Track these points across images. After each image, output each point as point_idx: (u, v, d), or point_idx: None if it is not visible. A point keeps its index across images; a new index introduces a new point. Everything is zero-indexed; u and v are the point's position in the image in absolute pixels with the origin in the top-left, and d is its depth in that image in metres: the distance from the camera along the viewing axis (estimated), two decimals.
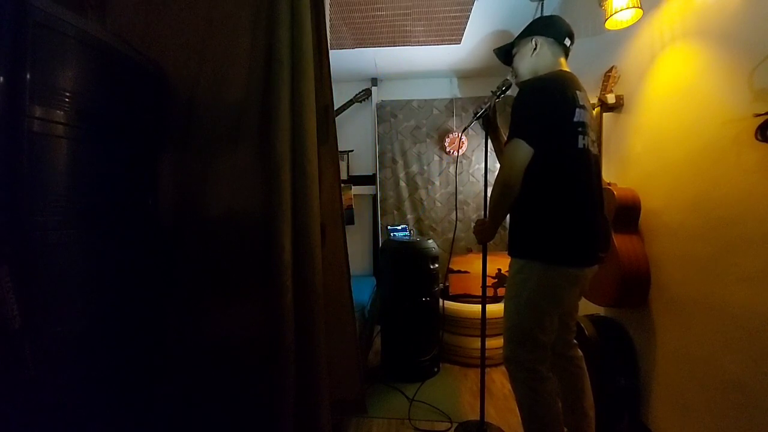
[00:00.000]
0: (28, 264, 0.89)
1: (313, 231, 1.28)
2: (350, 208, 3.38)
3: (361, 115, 3.44)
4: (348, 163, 3.42)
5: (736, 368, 1.13)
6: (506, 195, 1.19)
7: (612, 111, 1.75)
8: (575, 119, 1.17)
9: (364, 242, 3.49)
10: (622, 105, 1.70)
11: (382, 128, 3.40)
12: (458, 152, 3.25)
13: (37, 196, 0.91)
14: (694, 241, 1.29)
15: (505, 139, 1.26)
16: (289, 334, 1.23)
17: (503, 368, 1.30)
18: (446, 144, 3.29)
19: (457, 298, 2.60)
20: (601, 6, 1.62)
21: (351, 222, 3.39)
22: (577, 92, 1.20)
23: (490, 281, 2.54)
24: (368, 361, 2.44)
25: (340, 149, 1.64)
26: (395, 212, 3.40)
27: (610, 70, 1.71)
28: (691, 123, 1.31)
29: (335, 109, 1.69)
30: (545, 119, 1.16)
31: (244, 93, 1.36)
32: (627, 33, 1.66)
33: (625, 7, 1.47)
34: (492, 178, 1.29)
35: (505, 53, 1.44)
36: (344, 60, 2.97)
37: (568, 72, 1.28)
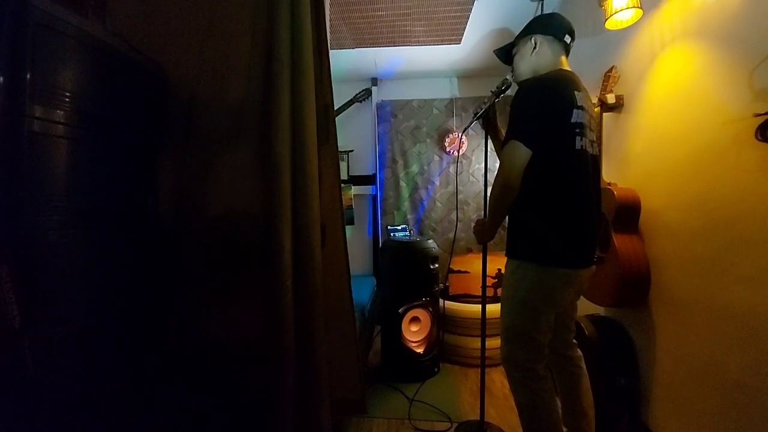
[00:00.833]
0: (28, 264, 0.89)
1: (313, 231, 1.28)
2: (350, 208, 3.38)
3: (361, 115, 3.44)
4: (348, 163, 3.42)
5: (736, 368, 1.13)
6: (505, 195, 1.19)
7: (612, 111, 1.75)
8: (573, 120, 1.17)
9: (364, 242, 3.49)
10: (622, 105, 1.70)
11: (382, 128, 3.40)
12: (458, 152, 3.25)
13: (37, 196, 0.91)
14: (694, 241, 1.29)
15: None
16: (289, 334, 1.23)
17: (503, 368, 1.30)
18: (446, 144, 3.29)
19: (457, 298, 2.60)
20: (601, 6, 1.62)
21: (351, 222, 3.39)
22: (576, 93, 1.19)
23: (490, 281, 2.54)
24: (368, 361, 2.44)
25: (340, 149, 1.64)
26: (395, 212, 3.40)
27: (610, 70, 1.71)
28: (691, 123, 1.31)
29: (335, 109, 1.68)
30: (543, 120, 1.16)
31: (244, 93, 1.36)
32: (627, 33, 1.66)
33: (625, 7, 1.47)
34: (492, 178, 1.29)
35: (506, 53, 1.44)
36: (344, 60, 2.97)
37: (568, 71, 1.27)
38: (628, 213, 1.54)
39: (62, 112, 0.95)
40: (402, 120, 3.38)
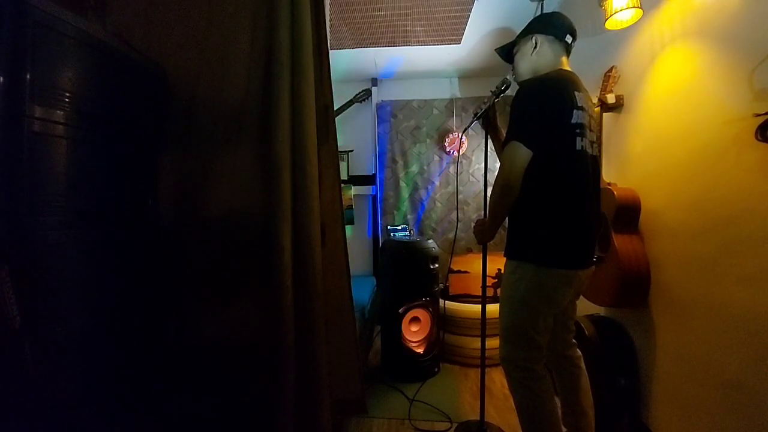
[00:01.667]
0: (28, 264, 0.89)
1: (313, 231, 1.28)
2: (350, 208, 3.38)
3: (361, 115, 3.44)
4: (348, 163, 3.42)
5: (736, 368, 1.13)
6: (506, 196, 1.19)
7: (612, 111, 1.75)
8: (573, 121, 1.16)
9: (364, 242, 3.49)
10: (622, 105, 1.70)
11: (382, 128, 3.40)
12: (458, 152, 3.25)
13: (37, 196, 0.91)
14: (695, 241, 1.29)
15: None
16: (289, 334, 1.23)
17: (502, 368, 1.31)
18: (446, 144, 3.29)
19: (457, 298, 2.60)
20: (601, 6, 1.62)
21: (351, 222, 3.39)
22: (576, 93, 1.19)
23: (490, 281, 2.54)
24: (368, 361, 2.44)
25: (340, 149, 1.64)
26: (395, 212, 3.40)
27: (610, 70, 1.71)
28: (691, 123, 1.31)
29: (335, 109, 1.68)
30: (543, 121, 1.16)
31: (244, 93, 1.36)
32: (627, 33, 1.66)
33: (625, 7, 1.47)
34: (492, 178, 1.29)
35: (507, 52, 1.44)
36: (344, 60, 2.97)
37: (568, 72, 1.27)
38: (628, 213, 1.54)
39: (62, 112, 0.95)
40: (402, 120, 3.38)
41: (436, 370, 2.31)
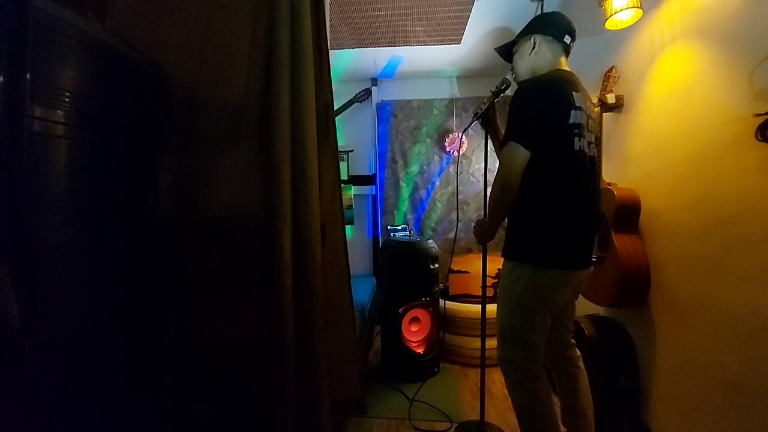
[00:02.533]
0: (28, 264, 0.89)
1: (313, 231, 1.28)
2: (350, 208, 3.38)
3: (361, 115, 3.44)
4: (348, 163, 3.42)
5: (736, 368, 1.13)
6: (505, 196, 1.19)
7: (612, 111, 1.75)
8: (571, 121, 1.16)
9: (364, 242, 3.49)
10: (622, 105, 1.70)
11: (382, 128, 3.40)
12: (458, 152, 3.25)
13: (37, 196, 0.91)
14: (695, 241, 1.29)
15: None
16: (289, 334, 1.23)
17: (500, 368, 1.31)
18: (446, 144, 3.29)
19: (457, 298, 2.60)
20: (601, 6, 1.62)
21: (351, 222, 3.39)
22: (574, 93, 1.18)
23: (490, 281, 2.53)
24: (368, 361, 2.44)
25: (340, 149, 1.64)
26: (395, 212, 3.40)
27: (610, 70, 1.71)
28: (691, 123, 1.31)
29: (335, 109, 1.68)
30: (541, 121, 1.16)
31: (244, 93, 1.36)
32: (627, 33, 1.66)
33: (625, 7, 1.47)
34: (492, 178, 1.29)
35: (507, 51, 1.44)
36: (344, 60, 2.97)
37: (567, 72, 1.27)
38: (628, 213, 1.54)
39: (62, 112, 0.95)
40: (402, 120, 3.38)
41: (436, 370, 2.31)
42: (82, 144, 1.01)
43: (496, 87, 1.49)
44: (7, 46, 0.85)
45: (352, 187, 3.37)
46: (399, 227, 3.14)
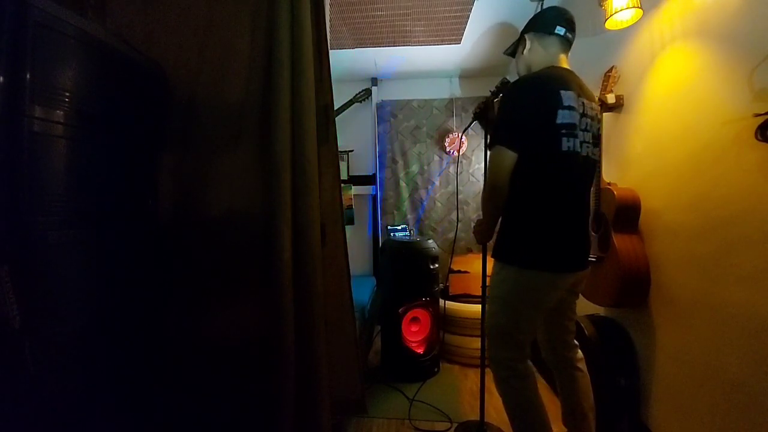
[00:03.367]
0: (28, 264, 0.89)
1: (313, 231, 1.28)
2: (350, 208, 3.37)
3: (361, 115, 3.44)
4: (348, 163, 3.42)
5: (736, 368, 1.13)
6: (495, 198, 1.19)
7: (612, 111, 1.75)
8: (558, 121, 1.13)
9: (364, 242, 3.49)
10: (622, 105, 1.70)
11: (382, 128, 3.40)
12: (458, 152, 3.25)
13: (37, 196, 0.91)
14: (694, 241, 1.29)
15: None
16: (289, 334, 1.23)
17: (489, 368, 1.31)
18: (446, 144, 3.29)
19: (457, 298, 2.60)
20: (601, 6, 1.62)
21: (351, 222, 3.39)
22: (563, 92, 1.14)
23: (489, 281, 2.54)
24: (368, 361, 2.44)
25: (340, 149, 1.64)
26: (395, 212, 3.40)
27: (610, 70, 1.71)
28: (691, 123, 1.31)
29: (335, 109, 1.68)
30: (523, 122, 1.14)
31: (244, 93, 1.36)
32: (627, 33, 1.66)
33: (625, 7, 1.47)
34: None
35: (513, 52, 1.43)
36: (344, 60, 2.97)
37: (560, 69, 1.23)
38: (628, 213, 1.54)
39: (62, 112, 0.95)
40: (402, 120, 3.38)
41: (436, 370, 2.31)
42: (82, 144, 1.01)
43: (496, 87, 1.49)
44: (7, 46, 0.85)
45: (352, 187, 3.37)
46: (399, 227, 3.14)
